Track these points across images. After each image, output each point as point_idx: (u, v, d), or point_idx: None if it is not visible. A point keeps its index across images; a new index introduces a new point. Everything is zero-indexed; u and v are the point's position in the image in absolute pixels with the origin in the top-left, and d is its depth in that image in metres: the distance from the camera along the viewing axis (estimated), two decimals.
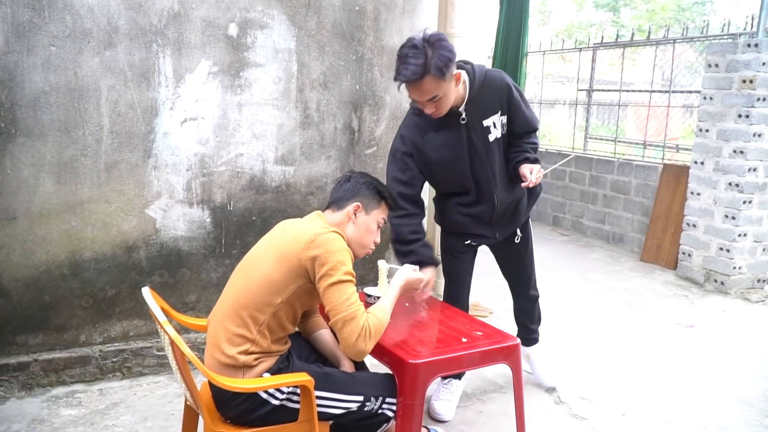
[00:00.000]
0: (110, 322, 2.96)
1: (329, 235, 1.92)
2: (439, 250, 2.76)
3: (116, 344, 2.98)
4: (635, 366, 3.49)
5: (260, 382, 1.85)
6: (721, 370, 3.49)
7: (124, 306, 2.98)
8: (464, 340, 2.13)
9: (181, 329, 2.78)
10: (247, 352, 1.88)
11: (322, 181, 3.31)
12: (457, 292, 2.73)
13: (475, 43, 3.53)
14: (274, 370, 1.91)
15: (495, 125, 2.41)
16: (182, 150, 2.98)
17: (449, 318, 2.38)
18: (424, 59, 2.11)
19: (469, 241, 2.66)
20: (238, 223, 3.14)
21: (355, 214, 2.08)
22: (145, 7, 2.80)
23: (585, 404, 3.01)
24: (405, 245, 2.43)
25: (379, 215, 2.13)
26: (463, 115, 2.36)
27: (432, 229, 4.05)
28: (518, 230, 2.73)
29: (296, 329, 2.13)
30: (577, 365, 3.46)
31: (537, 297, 2.98)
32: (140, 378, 3.03)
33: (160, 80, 2.88)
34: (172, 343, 1.71)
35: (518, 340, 2.17)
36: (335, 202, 2.12)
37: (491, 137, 2.40)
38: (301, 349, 2.18)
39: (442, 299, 2.72)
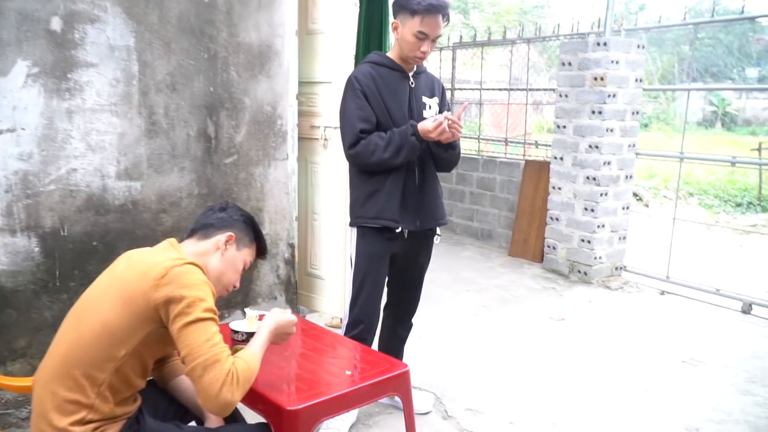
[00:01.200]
0: None
1: (184, 268, 1.60)
2: (355, 255, 2.52)
3: None
4: (515, 368, 3.46)
5: None
6: (594, 361, 3.56)
7: None
8: (348, 372, 1.90)
9: None
10: (83, 422, 1.51)
11: (175, 196, 2.92)
12: (373, 302, 2.52)
13: (339, 41, 3.30)
14: None
15: (431, 106, 2.51)
16: None
17: (329, 345, 2.13)
18: None
19: (390, 231, 2.45)
20: (76, 251, 2.68)
21: (226, 246, 1.79)
22: None
23: (473, 416, 2.90)
24: (386, 142, 2.35)
25: (247, 255, 1.86)
26: (411, 80, 2.47)
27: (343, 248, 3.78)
28: (438, 229, 2.61)
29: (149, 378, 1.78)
30: (461, 373, 3.36)
31: (410, 328, 2.83)
32: None
33: None
34: None
35: (407, 366, 1.97)
36: (202, 229, 1.81)
37: (425, 113, 2.48)
38: (157, 403, 1.82)
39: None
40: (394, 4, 2.37)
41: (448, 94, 7.44)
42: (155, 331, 1.60)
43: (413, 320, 2.78)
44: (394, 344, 2.76)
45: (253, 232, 1.88)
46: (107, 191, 2.73)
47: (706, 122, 23.32)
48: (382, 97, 2.39)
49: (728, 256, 6.66)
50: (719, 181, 11.79)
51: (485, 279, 5.24)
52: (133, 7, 2.69)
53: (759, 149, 11.09)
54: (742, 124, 23.18)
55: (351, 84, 2.41)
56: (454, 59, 7.03)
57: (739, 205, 10.56)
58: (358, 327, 2.45)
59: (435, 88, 2.57)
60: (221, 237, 1.79)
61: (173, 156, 2.88)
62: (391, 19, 2.43)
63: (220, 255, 1.79)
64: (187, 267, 1.61)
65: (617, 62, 4.97)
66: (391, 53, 2.46)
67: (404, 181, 2.44)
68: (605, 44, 4.93)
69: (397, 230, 2.44)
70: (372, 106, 2.38)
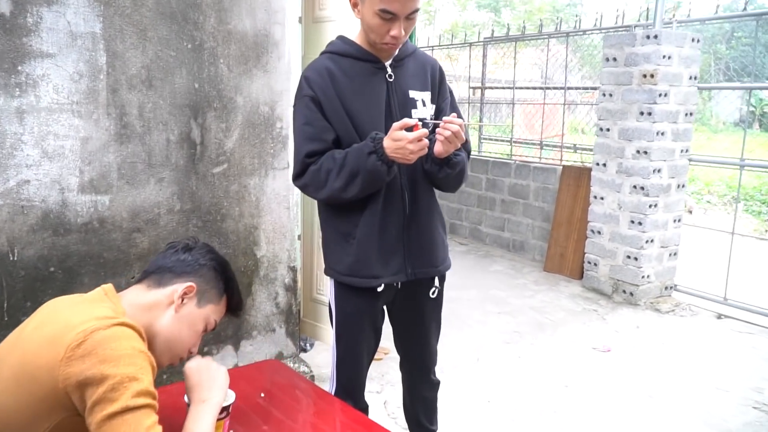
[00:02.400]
0: None
1: (110, 332, 1.14)
2: (333, 307, 1.94)
3: None
4: (554, 413, 2.93)
5: None
6: (647, 404, 3.01)
7: None
8: None
9: None
10: None
11: (152, 212, 2.47)
12: (355, 372, 1.94)
13: (352, 31, 2.80)
14: None
15: (424, 103, 1.86)
16: None
17: (315, 414, 1.64)
18: None
19: (372, 285, 1.84)
20: (28, 278, 2.24)
21: (183, 300, 1.34)
22: None
23: None
24: (339, 165, 1.75)
25: (212, 313, 1.40)
26: (389, 71, 1.82)
27: (313, 282, 3.29)
28: (436, 279, 1.96)
29: None
30: (490, 420, 2.84)
31: (438, 384, 2.14)
32: None
33: None
34: None
35: None
36: (156, 273, 1.36)
37: (415, 114, 1.82)
38: None
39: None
40: None
41: (476, 94, 6.93)
42: (66, 421, 1.14)
43: (437, 375, 2.13)
44: (419, 408, 2.11)
45: (223, 282, 1.42)
46: (68, 207, 2.28)
47: (743, 123, 22.73)
48: (343, 101, 1.77)
49: None
50: (766, 185, 11.02)
51: (518, 298, 4.70)
52: None
53: None
54: None
55: (299, 88, 1.81)
56: (485, 56, 6.50)
57: None
58: (346, 401, 1.82)
59: (428, 77, 1.88)
60: (178, 287, 1.33)
61: (150, 165, 2.43)
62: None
63: (174, 312, 1.33)
64: (115, 331, 1.14)
65: (669, 57, 4.40)
66: (359, 37, 1.83)
67: (386, 214, 1.81)
68: (656, 37, 4.36)
69: (380, 289, 1.85)
70: (328, 117, 1.76)
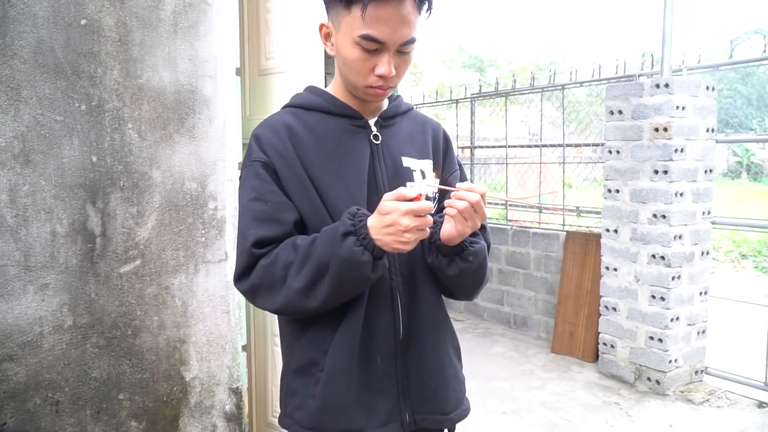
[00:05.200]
0: None
1: None
2: None
3: None
4: None
5: None
6: None
7: None
8: None
9: None
10: None
11: (31, 332, 1.80)
12: None
13: (307, 84, 2.22)
14: None
15: (424, 175, 1.32)
16: None
17: None
18: None
19: None
20: None
21: None
22: None
23: None
24: (302, 256, 1.17)
25: None
26: (375, 131, 1.30)
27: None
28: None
29: None
30: None
31: None
32: None
33: None
34: None
35: None
36: None
37: (413, 189, 1.16)
38: None
39: None
40: None
41: (464, 154, 6.40)
42: None
43: None
44: None
45: None
46: None
47: (731, 173, 22.94)
48: (309, 168, 1.23)
49: None
50: None
51: (525, 391, 4.00)
52: None
53: None
54: None
55: (248, 152, 1.28)
56: (473, 113, 5.99)
57: None
58: None
59: (429, 142, 1.38)
60: None
61: (26, 268, 1.78)
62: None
63: None
64: None
65: (683, 108, 3.86)
66: (335, 87, 1.33)
67: (370, 332, 1.23)
68: (667, 86, 3.83)
69: None
70: (287, 190, 1.23)
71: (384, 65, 1.18)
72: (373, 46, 1.17)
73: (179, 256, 2.03)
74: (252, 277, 1.19)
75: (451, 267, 1.24)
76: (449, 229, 1.19)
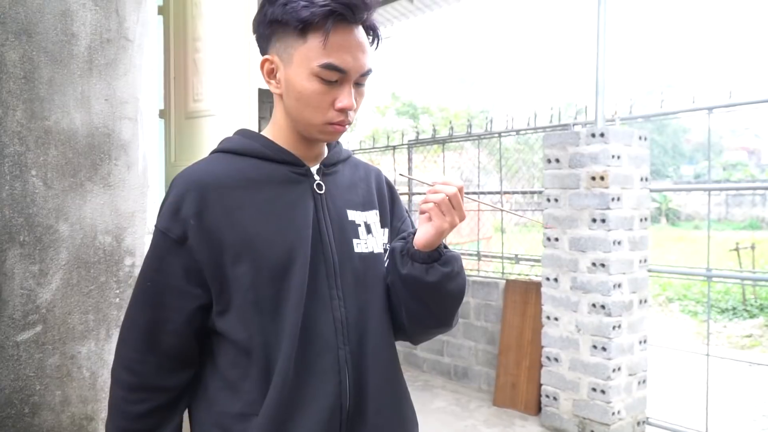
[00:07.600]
0: None
1: None
2: None
3: None
4: None
5: None
6: None
7: None
8: None
9: None
10: None
11: None
12: None
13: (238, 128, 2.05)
14: None
15: (369, 229, 1.20)
16: None
17: None
18: None
19: None
20: None
21: None
22: None
23: None
24: None
25: None
26: (318, 179, 1.16)
27: None
28: None
29: None
30: None
31: None
32: None
33: None
34: None
35: None
36: None
37: (358, 246, 1.16)
38: None
39: None
40: (258, 22, 1.10)
41: (404, 200, 6.33)
42: None
43: None
44: None
45: None
46: None
47: (651, 219, 24.38)
48: (239, 226, 1.07)
49: (750, 381, 5.40)
50: (694, 284, 10.88)
51: None
52: None
53: (737, 249, 10.28)
54: (686, 219, 24.23)
55: (159, 213, 1.13)
56: (410, 159, 5.94)
57: (724, 311, 9.68)
58: None
59: (373, 191, 1.26)
60: None
61: None
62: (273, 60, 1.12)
63: None
64: None
65: (618, 157, 3.91)
66: (271, 130, 1.17)
67: (305, 396, 1.07)
68: (602, 135, 3.88)
69: None
70: (203, 268, 1.07)
71: (346, 97, 1.08)
72: (334, 77, 1.06)
73: (88, 320, 1.78)
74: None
75: (430, 273, 1.12)
76: (426, 229, 1.10)
